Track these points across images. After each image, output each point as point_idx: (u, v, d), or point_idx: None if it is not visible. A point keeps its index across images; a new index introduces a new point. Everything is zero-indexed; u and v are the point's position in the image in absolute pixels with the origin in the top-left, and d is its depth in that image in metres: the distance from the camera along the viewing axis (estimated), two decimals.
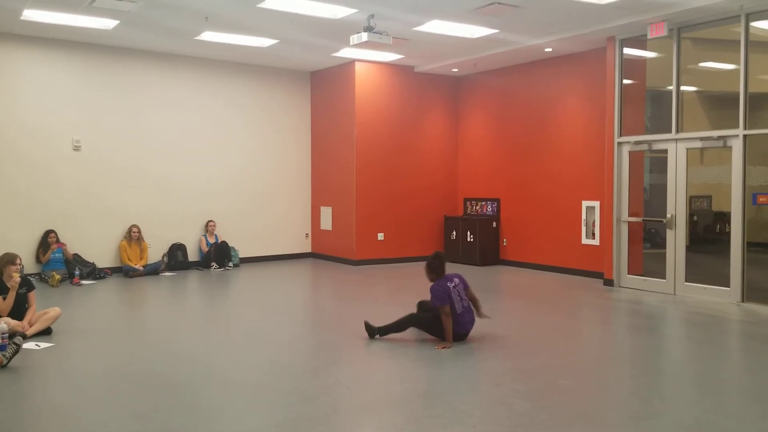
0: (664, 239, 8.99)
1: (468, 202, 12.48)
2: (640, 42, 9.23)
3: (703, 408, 4.48)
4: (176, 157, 11.17)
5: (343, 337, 6.42)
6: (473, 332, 6.30)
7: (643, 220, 9.49)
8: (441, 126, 12.53)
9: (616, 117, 9.37)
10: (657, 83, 9.59)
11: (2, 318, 6.04)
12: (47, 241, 9.83)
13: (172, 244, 11.06)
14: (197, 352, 5.94)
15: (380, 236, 11.89)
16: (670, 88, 8.77)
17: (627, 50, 9.34)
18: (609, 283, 9.45)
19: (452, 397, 4.63)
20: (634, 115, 9.51)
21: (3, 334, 5.42)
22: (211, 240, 11.32)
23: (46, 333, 6.30)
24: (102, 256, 10.42)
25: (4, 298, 6.22)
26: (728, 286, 8.20)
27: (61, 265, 9.81)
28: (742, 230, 8.07)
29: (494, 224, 11.82)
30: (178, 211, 11.20)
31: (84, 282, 9.58)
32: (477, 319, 6.29)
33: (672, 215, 8.82)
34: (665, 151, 8.94)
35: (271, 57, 11.18)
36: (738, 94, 8.07)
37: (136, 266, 10.31)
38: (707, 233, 9.52)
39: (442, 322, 5.93)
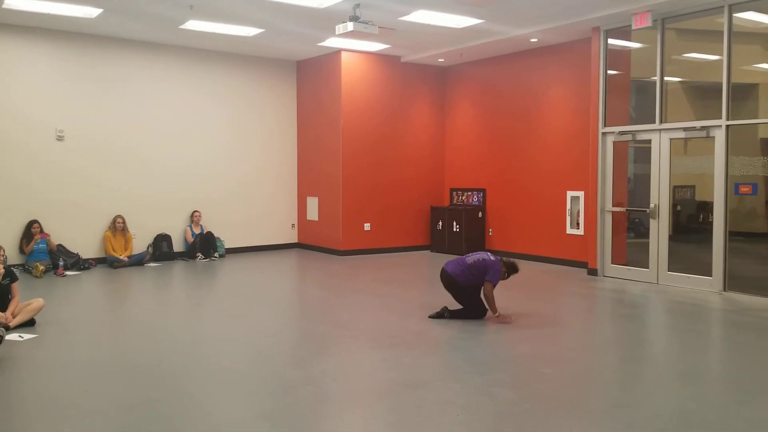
0: (648, 229, 9.07)
1: (454, 193, 12.52)
2: (624, 33, 9.26)
3: (683, 396, 4.55)
4: (161, 146, 11.10)
5: (328, 327, 6.44)
6: (457, 322, 6.35)
7: (626, 210, 9.56)
8: (427, 116, 12.53)
9: (600, 107, 9.42)
10: (641, 74, 9.64)
11: None
12: (31, 231, 9.75)
13: (157, 235, 11.01)
14: (183, 342, 5.93)
15: (367, 226, 11.90)
16: (654, 78, 8.83)
17: (612, 41, 9.38)
18: (593, 272, 9.53)
19: (436, 387, 4.66)
20: (619, 106, 9.57)
21: None
22: (197, 230, 11.28)
23: (29, 324, 6.26)
24: (86, 246, 10.36)
25: None
26: (710, 276, 8.30)
27: (44, 256, 9.74)
28: (725, 220, 8.15)
29: (480, 214, 11.86)
30: (163, 202, 11.14)
31: (68, 273, 9.53)
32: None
33: (655, 205, 8.89)
34: (649, 141, 9.01)
35: (256, 46, 11.12)
36: (721, 84, 8.13)
37: (121, 257, 10.26)
38: (691, 223, 9.61)
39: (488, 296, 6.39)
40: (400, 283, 9.14)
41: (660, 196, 8.88)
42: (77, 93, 10.32)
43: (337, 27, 8.40)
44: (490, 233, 11.86)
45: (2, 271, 6.27)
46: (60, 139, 10.19)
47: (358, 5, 8.24)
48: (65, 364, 5.25)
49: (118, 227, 10.41)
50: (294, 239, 12.79)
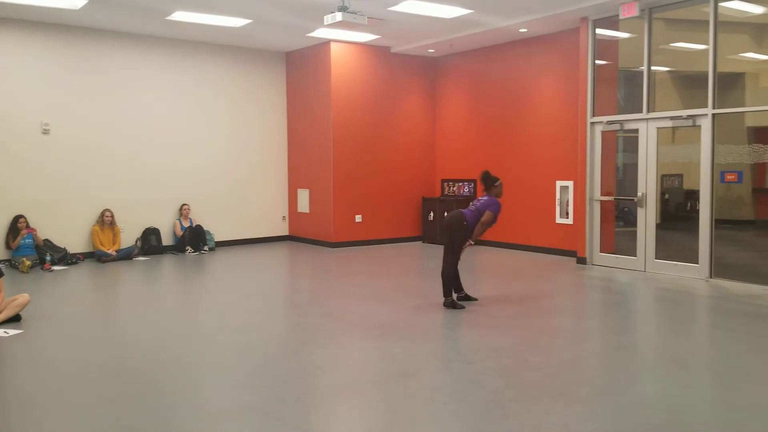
0: (636, 217, 9.12)
1: (445, 183, 12.53)
2: (612, 22, 9.28)
3: (668, 382, 4.59)
4: (148, 139, 11.04)
5: (318, 319, 6.45)
6: (447, 312, 6.40)
7: (614, 199, 9.60)
8: (418, 107, 12.52)
9: (589, 97, 9.44)
10: (629, 63, 9.67)
11: None
12: (17, 226, 9.69)
13: (146, 229, 10.98)
14: (170, 336, 5.93)
15: (358, 218, 11.90)
16: (642, 68, 8.85)
17: (600, 31, 9.39)
18: (582, 261, 9.58)
19: (425, 376, 4.68)
20: (607, 96, 9.59)
21: None
22: (186, 224, 11.24)
23: (15, 320, 6.22)
24: (74, 241, 10.31)
25: None
26: (697, 263, 8.36)
27: (31, 251, 9.68)
28: (711, 208, 8.20)
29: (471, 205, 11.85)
30: (151, 195, 11.10)
31: (55, 268, 9.48)
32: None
33: (643, 194, 8.94)
34: (636, 130, 9.04)
35: (245, 37, 11.06)
36: (707, 73, 8.16)
37: (109, 251, 10.22)
38: (679, 211, 9.67)
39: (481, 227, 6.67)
40: (391, 274, 9.15)
41: (647, 184, 8.92)
42: (63, 86, 10.24)
43: (325, 17, 8.35)
44: None
45: None
46: (46, 132, 10.12)
47: None
48: (50, 359, 5.23)
49: (106, 221, 10.36)
50: (285, 232, 12.78)
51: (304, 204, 12.35)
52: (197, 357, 5.24)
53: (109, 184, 10.66)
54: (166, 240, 11.20)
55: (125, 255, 10.37)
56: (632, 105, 9.26)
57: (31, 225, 9.85)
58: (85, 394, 4.40)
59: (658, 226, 8.95)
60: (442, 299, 6.75)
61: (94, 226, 10.38)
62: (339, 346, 5.53)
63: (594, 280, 8.54)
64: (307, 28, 10.32)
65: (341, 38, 11.18)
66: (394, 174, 12.24)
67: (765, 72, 9.32)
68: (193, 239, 11.09)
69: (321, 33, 10.71)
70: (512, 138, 11.16)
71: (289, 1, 8.59)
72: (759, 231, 9.77)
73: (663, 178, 9.23)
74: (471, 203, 6.96)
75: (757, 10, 8.44)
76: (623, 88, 9.94)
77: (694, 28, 8.96)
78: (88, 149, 10.47)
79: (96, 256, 10.23)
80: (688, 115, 8.41)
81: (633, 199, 9.10)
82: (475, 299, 7.00)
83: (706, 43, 8.18)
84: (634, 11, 8.44)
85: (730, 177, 8.33)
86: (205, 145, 11.64)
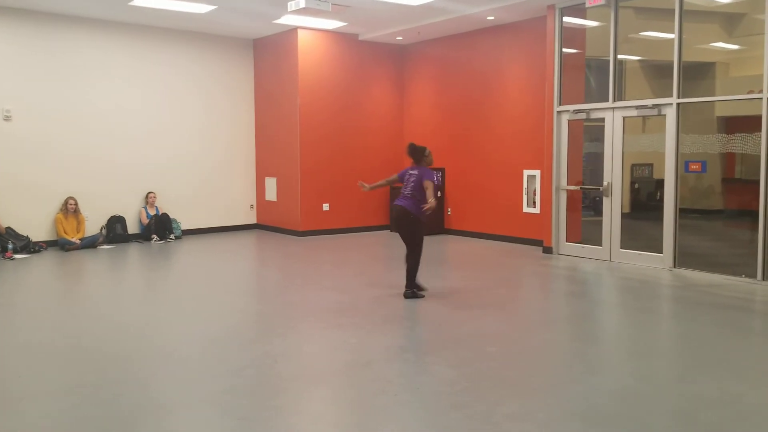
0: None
1: None
2: (579, 11, 9.25)
3: (624, 372, 4.59)
4: (113, 126, 10.82)
5: (279, 309, 6.38)
6: (407, 302, 6.38)
7: (580, 188, 9.62)
8: (386, 96, 12.43)
9: (555, 86, 9.43)
10: (596, 52, 9.66)
11: None
12: None
13: (111, 217, 10.79)
14: (130, 325, 5.81)
15: (325, 207, 11.82)
16: (608, 57, 8.84)
17: (567, 19, 9.37)
18: (548, 250, 9.61)
19: (378, 367, 4.64)
20: (574, 84, 9.59)
21: None
22: (152, 212, 11.07)
23: None
24: (37, 229, 10.10)
25: None
26: (661, 252, 8.41)
27: None
28: (675, 197, 8.25)
29: (439, 194, 11.83)
30: (116, 183, 10.90)
31: (17, 256, 9.29)
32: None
33: (609, 183, 8.97)
34: (603, 119, 9.05)
35: (210, 24, 10.87)
36: (679, 62, 8.17)
37: (73, 239, 10.03)
38: (649, 200, 9.72)
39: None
40: (355, 263, 9.10)
41: (613, 174, 8.95)
42: (24, 72, 9.98)
43: (288, 3, 8.25)
44: (449, 213, 11.87)
45: None
46: (7, 119, 9.87)
47: None
48: (10, 347, 5.13)
49: (70, 209, 10.16)
50: (253, 220, 12.66)
51: (271, 192, 12.24)
52: (156, 347, 5.14)
53: (73, 171, 10.44)
54: (132, 228, 11.02)
55: (89, 243, 10.19)
56: (598, 94, 9.26)
57: None
58: (34, 383, 4.30)
59: (624, 216, 8.98)
60: (404, 289, 6.70)
61: (58, 214, 10.17)
62: (296, 336, 5.47)
63: (558, 270, 8.56)
64: (272, 14, 10.15)
65: (308, 25, 11.03)
66: (362, 162, 12.15)
67: (735, 62, 9.38)
68: (159, 227, 10.93)
69: (287, 20, 10.55)
70: (480, 127, 11.12)
71: None
72: (727, 221, 9.87)
73: (633, 168, 9.26)
74: (403, 186, 6.74)
75: None
76: (589, 76, 9.94)
77: (662, 16, 8.97)
78: (52, 136, 10.23)
79: (60, 245, 10.04)
80: (654, 105, 8.43)
81: (599, 189, 9.13)
82: (425, 289, 6.86)
83: (672, 32, 8.19)
84: None
85: (694, 166, 8.38)
86: (171, 133, 11.45)
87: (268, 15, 10.18)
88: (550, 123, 9.50)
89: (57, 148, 10.29)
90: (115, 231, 10.72)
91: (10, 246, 9.30)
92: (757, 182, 7.62)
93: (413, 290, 6.64)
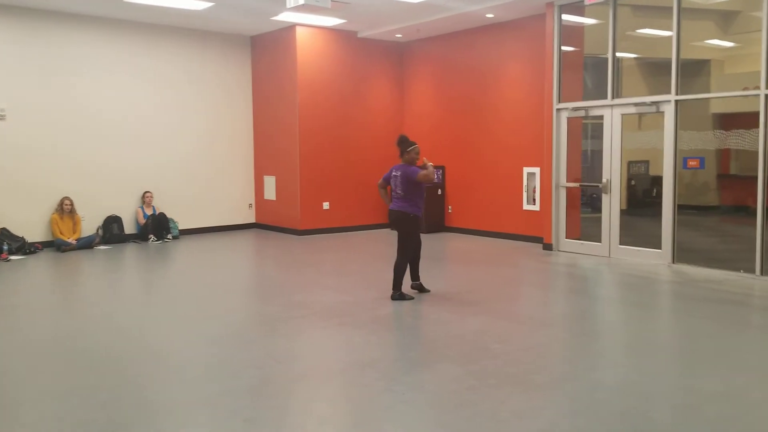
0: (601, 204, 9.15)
1: None
2: (578, 8, 9.25)
3: (627, 368, 4.59)
4: (108, 125, 10.77)
5: (281, 309, 6.35)
6: (410, 301, 6.38)
7: (580, 185, 9.63)
8: (386, 93, 12.41)
9: (555, 83, 9.43)
10: (595, 50, 9.66)
11: None
12: None
13: (107, 217, 10.74)
14: (129, 327, 5.79)
15: (325, 205, 11.79)
16: (607, 54, 8.84)
17: (565, 17, 9.36)
18: (548, 247, 9.61)
19: (384, 366, 4.63)
20: (573, 82, 9.59)
21: None
22: (149, 211, 11.03)
23: None
24: (32, 230, 10.04)
25: None
26: (660, 248, 8.42)
27: None
28: (673, 193, 8.26)
29: (439, 192, 11.84)
30: (112, 182, 10.84)
31: (13, 257, 9.23)
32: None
33: (607, 180, 8.97)
34: (602, 117, 9.05)
35: (208, 20, 10.83)
36: (671, 60, 8.19)
37: (69, 240, 9.98)
38: (645, 197, 9.73)
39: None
40: (356, 262, 9.08)
41: (612, 171, 8.95)
42: (19, 70, 9.92)
43: (287, 0, 8.19)
44: (450, 210, 11.86)
45: None
46: (1, 118, 9.80)
47: None
48: (3, 351, 5.07)
49: (65, 209, 10.11)
50: (251, 219, 12.62)
51: (270, 191, 12.20)
52: (152, 349, 5.12)
53: (68, 171, 10.38)
54: (129, 228, 10.97)
55: (86, 244, 10.14)
56: (597, 91, 9.26)
57: None
58: (34, 387, 4.26)
59: (623, 212, 8.99)
60: (401, 290, 6.62)
61: (53, 214, 10.12)
62: (299, 336, 5.45)
63: (559, 266, 8.56)
64: (270, 11, 10.12)
65: (307, 22, 11.00)
66: (362, 161, 12.13)
67: (729, 59, 9.39)
68: (156, 227, 10.88)
69: (285, 17, 10.52)
70: (480, 125, 11.12)
71: None
72: (723, 216, 9.89)
73: (630, 165, 9.27)
74: (393, 188, 6.65)
75: None
76: (588, 74, 9.94)
77: (660, 14, 8.97)
78: (46, 135, 10.18)
79: (55, 245, 9.98)
80: (652, 102, 8.43)
81: (598, 186, 9.13)
82: (428, 291, 6.86)
83: (670, 30, 8.20)
84: None
85: (692, 163, 8.39)
86: (168, 131, 11.41)
87: (266, 12, 10.15)
88: (550, 120, 9.50)
89: (52, 148, 10.23)
90: (111, 231, 10.67)
91: (5, 247, 9.25)
92: (754, 178, 7.63)
93: (400, 292, 6.55)
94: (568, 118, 9.41)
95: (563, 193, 9.52)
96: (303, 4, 8.03)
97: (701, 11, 8.72)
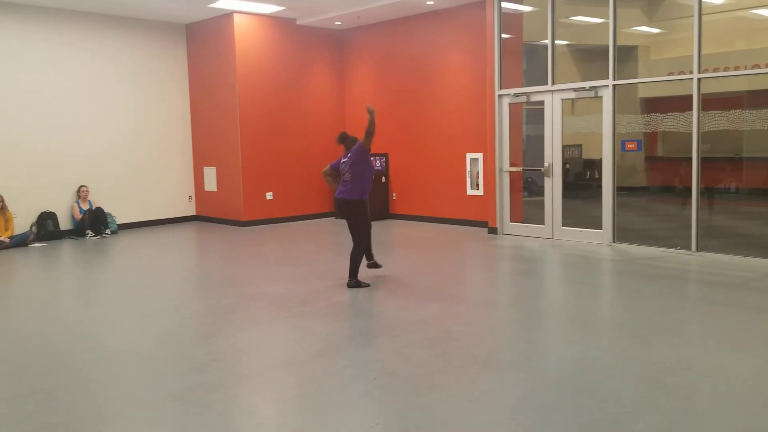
0: (541, 187, 9.42)
1: None
2: None
3: (584, 344, 4.76)
4: (41, 118, 10.28)
5: (233, 301, 6.27)
6: (366, 289, 6.41)
7: (522, 169, 9.86)
8: (327, 81, 12.33)
9: (496, 70, 9.59)
10: (533, 37, 9.89)
11: None
12: None
13: (41, 213, 10.28)
14: (76, 326, 5.59)
15: (269, 195, 11.65)
16: (546, 41, 9.07)
17: (505, 4, 9.53)
18: (493, 231, 9.82)
19: (350, 353, 4.65)
20: (513, 69, 9.79)
21: None
22: (85, 206, 10.62)
23: None
24: None
25: None
26: (601, 229, 8.74)
27: None
28: (613, 176, 8.57)
29: (383, 179, 11.88)
30: (45, 176, 10.38)
31: None
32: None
33: (549, 164, 9.23)
34: (542, 102, 9.29)
35: (139, 8, 10.46)
36: (607, 46, 8.47)
37: (2, 238, 9.50)
38: (579, 180, 10.07)
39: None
40: (305, 252, 9.04)
41: (554, 155, 9.21)
42: None
43: None
44: (394, 197, 11.93)
45: None
46: None
47: None
48: None
49: None
50: (192, 212, 12.34)
51: (211, 182, 11.96)
52: (108, 347, 4.96)
53: None
54: (64, 224, 10.55)
55: (19, 242, 9.69)
56: (537, 77, 9.49)
57: None
58: None
59: (562, 195, 9.28)
60: (357, 277, 6.65)
61: None
62: (260, 328, 5.39)
63: (506, 249, 8.77)
64: None
65: (244, 9, 10.79)
66: (305, 149, 12.04)
67: (655, 45, 9.80)
68: (94, 222, 10.49)
69: (222, 4, 10.29)
70: (422, 111, 11.21)
71: None
72: (652, 197, 10.35)
73: (564, 149, 9.56)
74: (341, 174, 6.70)
75: None
76: (528, 61, 10.17)
77: (594, 2, 9.27)
78: None
79: None
80: (591, 87, 8.71)
81: (540, 170, 9.38)
82: (380, 266, 7.13)
83: (605, 17, 8.47)
84: None
85: (630, 145, 8.73)
86: (102, 123, 10.99)
87: None
88: (492, 106, 9.68)
89: None
90: (46, 228, 10.23)
91: None
92: (682, 159, 8.03)
93: (356, 280, 6.61)
94: (510, 104, 9.60)
95: (506, 178, 9.73)
96: None
97: None
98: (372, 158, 6.91)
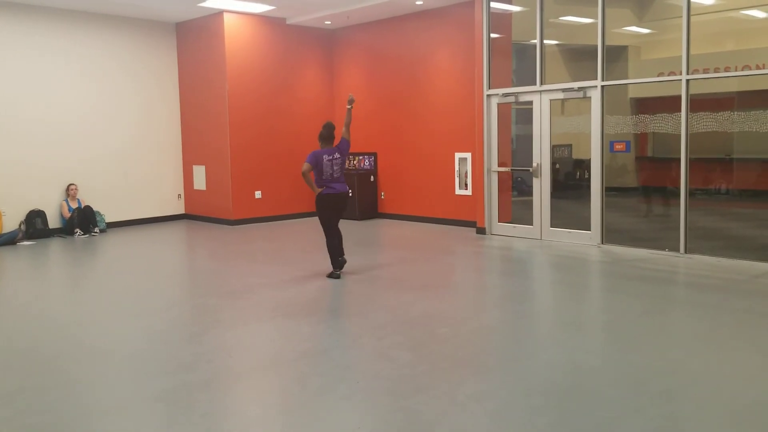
0: (530, 187, 9.44)
1: None
2: None
3: (571, 347, 4.78)
4: (30, 115, 10.22)
5: (221, 300, 6.25)
6: (353, 288, 6.37)
7: (511, 169, 9.88)
8: (316, 81, 12.31)
9: (485, 70, 9.61)
10: (522, 37, 9.90)
11: None
12: None
13: (30, 211, 10.22)
14: (64, 324, 5.56)
15: (258, 194, 11.63)
16: (534, 41, 9.09)
17: (494, 4, 9.54)
18: (481, 231, 9.84)
19: (336, 354, 4.65)
20: (502, 69, 9.80)
21: None
22: (74, 205, 10.57)
23: None
24: None
25: None
26: (589, 230, 8.77)
27: None
28: (601, 177, 8.60)
29: (372, 178, 11.88)
30: (35, 175, 10.32)
31: None
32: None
33: (538, 164, 9.25)
34: (530, 102, 9.31)
35: (129, 7, 10.40)
36: (596, 46, 8.49)
37: None
38: (568, 180, 10.10)
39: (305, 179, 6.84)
40: (293, 251, 9.02)
41: (542, 155, 9.23)
42: None
43: None
44: (383, 196, 11.93)
45: None
46: None
47: None
48: None
49: None
50: (181, 210, 12.30)
51: (200, 181, 11.92)
52: (95, 346, 4.94)
53: None
54: (53, 223, 10.49)
55: (8, 240, 9.63)
56: (525, 77, 9.50)
57: None
58: None
59: (551, 195, 9.30)
60: (342, 276, 6.70)
61: None
62: (246, 328, 5.39)
63: (493, 250, 8.78)
64: None
65: (234, 8, 10.75)
66: (293, 148, 12.01)
67: (645, 45, 9.83)
68: (82, 221, 10.44)
69: (212, 3, 10.25)
70: (411, 111, 11.22)
71: None
72: (642, 197, 10.38)
73: (554, 149, 9.59)
74: (328, 172, 6.87)
75: None
76: (517, 61, 10.19)
77: (583, 2, 9.29)
78: None
79: None
80: (579, 87, 8.74)
81: (528, 170, 9.40)
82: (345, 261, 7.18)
83: (594, 17, 8.50)
84: None
85: (618, 146, 8.76)
86: (91, 121, 10.93)
87: None
88: (480, 106, 9.69)
89: None
90: (35, 226, 10.17)
91: None
92: (672, 160, 8.06)
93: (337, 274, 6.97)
94: (498, 104, 9.62)
95: (495, 178, 9.75)
96: None
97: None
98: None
